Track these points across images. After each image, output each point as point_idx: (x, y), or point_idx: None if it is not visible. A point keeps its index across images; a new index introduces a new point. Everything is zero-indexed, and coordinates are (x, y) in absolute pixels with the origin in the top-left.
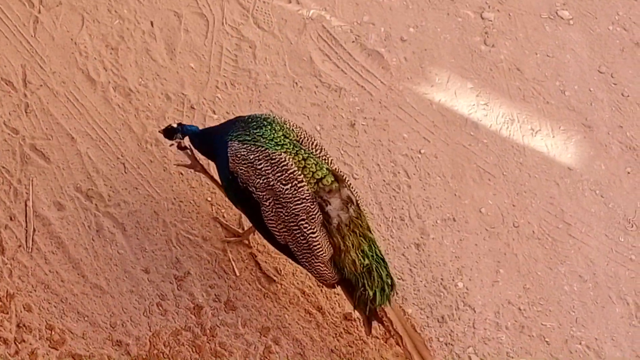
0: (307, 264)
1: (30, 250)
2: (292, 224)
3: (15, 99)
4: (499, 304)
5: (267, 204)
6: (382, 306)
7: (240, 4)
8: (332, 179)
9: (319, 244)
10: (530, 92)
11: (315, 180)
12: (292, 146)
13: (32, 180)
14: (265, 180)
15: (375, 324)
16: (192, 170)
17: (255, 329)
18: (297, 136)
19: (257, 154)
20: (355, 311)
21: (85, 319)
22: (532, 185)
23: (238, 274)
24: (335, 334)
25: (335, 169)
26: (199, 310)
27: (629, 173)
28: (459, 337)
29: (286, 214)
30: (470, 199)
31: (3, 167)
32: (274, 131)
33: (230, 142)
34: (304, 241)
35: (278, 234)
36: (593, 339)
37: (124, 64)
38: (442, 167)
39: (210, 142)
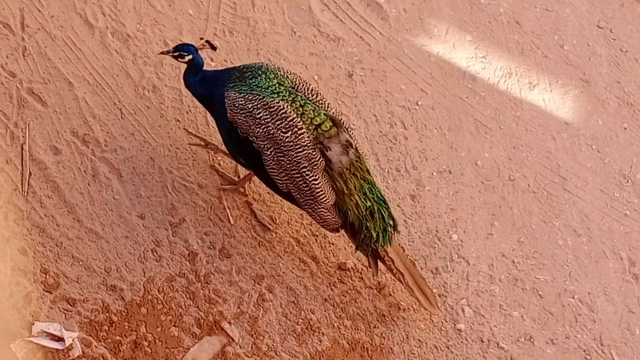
0: (310, 210)
1: (25, 193)
2: (294, 171)
3: (12, 42)
4: (492, 257)
5: (269, 152)
6: (384, 246)
7: None
8: (331, 124)
9: (321, 190)
10: (528, 45)
11: (314, 127)
12: (288, 93)
13: (28, 124)
14: (265, 129)
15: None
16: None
17: (250, 276)
18: (292, 83)
19: (255, 103)
20: (355, 255)
21: (80, 263)
22: (529, 139)
23: (233, 222)
24: (329, 283)
25: (333, 112)
26: (194, 257)
27: (625, 129)
28: (453, 289)
29: (288, 161)
30: (466, 152)
31: (0, 111)
32: (268, 79)
33: (227, 92)
34: (306, 188)
35: (280, 182)
36: (586, 293)
37: (123, 9)
38: (439, 119)
39: (209, 87)
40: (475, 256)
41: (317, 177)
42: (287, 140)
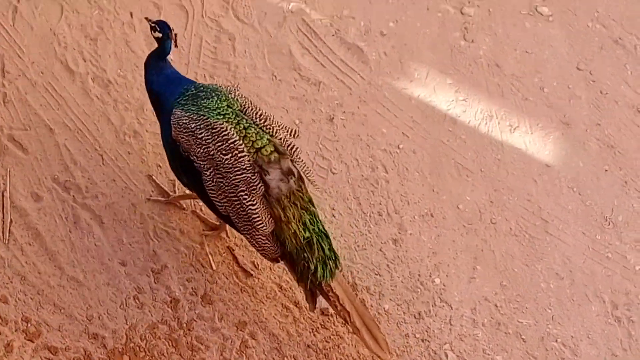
0: (248, 236)
1: (6, 241)
2: (232, 194)
3: None
4: (475, 301)
5: (208, 173)
6: (327, 281)
7: None
8: (272, 149)
9: (258, 216)
10: (509, 88)
11: (254, 150)
12: (234, 116)
13: (9, 171)
14: (205, 150)
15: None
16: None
17: (232, 323)
18: (241, 106)
19: (199, 123)
20: (300, 287)
21: (62, 311)
22: (510, 182)
23: (215, 268)
24: (312, 329)
25: (281, 139)
26: (176, 303)
27: (606, 171)
28: (436, 334)
29: (226, 184)
30: (448, 195)
31: None
32: (219, 101)
33: (175, 109)
34: (243, 213)
35: (220, 204)
36: (569, 337)
37: (103, 55)
38: (420, 162)
39: (164, 87)
40: (458, 300)
41: (254, 202)
42: (226, 162)
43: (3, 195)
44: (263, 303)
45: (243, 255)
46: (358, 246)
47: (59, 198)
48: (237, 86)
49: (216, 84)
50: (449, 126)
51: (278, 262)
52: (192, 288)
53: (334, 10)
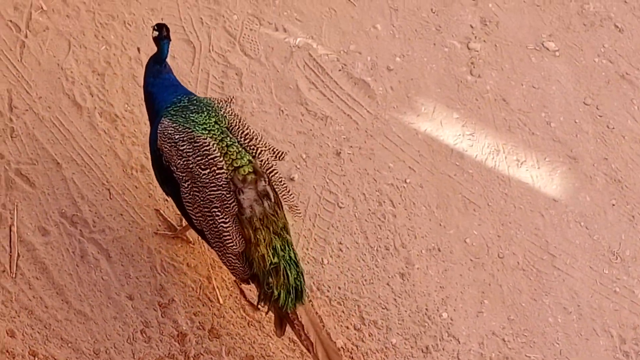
0: (219, 254)
1: (14, 275)
2: (205, 209)
3: (0, 123)
4: (483, 335)
5: (186, 185)
6: (288, 309)
7: (227, 31)
8: (250, 170)
9: (229, 235)
10: (516, 122)
11: (233, 168)
12: (219, 132)
13: (16, 205)
14: (185, 162)
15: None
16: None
17: (239, 357)
18: (229, 123)
19: (182, 135)
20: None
21: (69, 345)
22: (517, 216)
23: (222, 302)
24: None
25: (263, 161)
26: (183, 337)
27: (613, 205)
28: None
29: (202, 198)
30: (455, 229)
31: None
32: (208, 117)
33: (163, 118)
34: (215, 229)
35: (194, 218)
36: None
37: (110, 89)
38: (427, 196)
39: (159, 91)
40: (466, 334)
41: (226, 220)
42: (204, 176)
43: (11, 230)
44: (270, 337)
45: (250, 289)
46: (365, 280)
47: (66, 232)
48: (231, 100)
49: (210, 98)
50: (456, 160)
51: (249, 283)
52: (199, 322)
53: (340, 45)
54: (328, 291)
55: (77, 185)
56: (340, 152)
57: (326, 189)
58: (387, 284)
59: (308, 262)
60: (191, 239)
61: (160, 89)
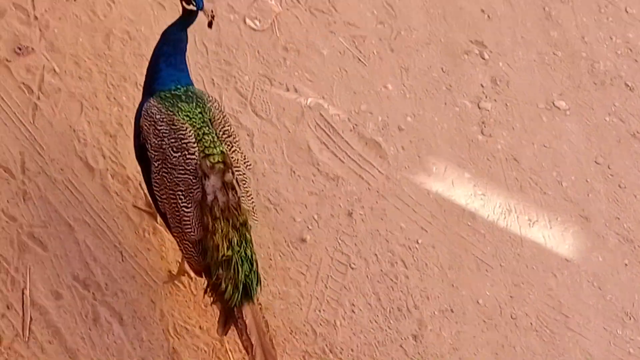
0: (177, 240)
1: (27, 339)
2: (171, 192)
3: (13, 186)
4: None
5: (156, 165)
6: (234, 305)
7: (239, 91)
8: (220, 160)
9: (188, 220)
10: (527, 182)
11: (204, 155)
12: (201, 121)
13: (29, 269)
14: (159, 142)
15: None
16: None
17: None
18: (212, 116)
19: (163, 116)
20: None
21: None
22: (530, 277)
23: None
24: None
25: (234, 159)
26: None
27: (626, 265)
28: None
29: (169, 180)
30: (467, 290)
31: (0, 256)
32: (195, 107)
33: (152, 97)
34: (177, 214)
35: (160, 200)
36: None
37: (122, 151)
38: (439, 257)
39: (164, 66)
40: None
41: (188, 205)
42: (174, 159)
43: (23, 293)
44: None
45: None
46: (378, 342)
47: (79, 296)
48: (218, 103)
49: (204, 93)
50: (467, 220)
51: (201, 276)
52: None
53: (351, 105)
54: (341, 353)
55: (90, 247)
56: (352, 213)
57: (338, 250)
58: (400, 346)
59: (320, 324)
60: (203, 305)
61: (168, 68)
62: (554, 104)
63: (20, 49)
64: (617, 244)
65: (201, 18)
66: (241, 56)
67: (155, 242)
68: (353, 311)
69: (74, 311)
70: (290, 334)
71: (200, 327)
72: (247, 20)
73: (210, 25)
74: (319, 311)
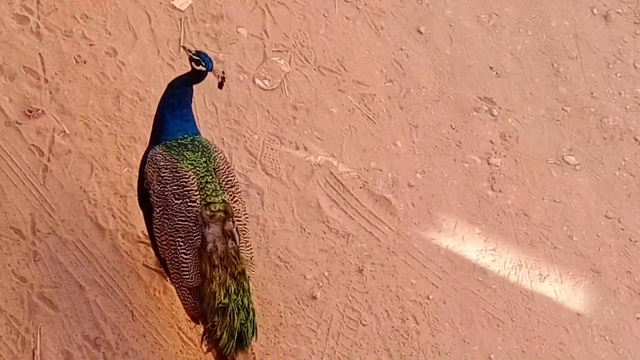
0: (176, 286)
1: None
2: (171, 238)
3: (23, 247)
4: None
5: (158, 211)
6: (228, 352)
7: (248, 150)
8: (221, 209)
9: (187, 267)
10: (538, 237)
11: (205, 203)
12: (204, 170)
13: (39, 329)
14: (162, 188)
15: None
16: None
17: None
18: (216, 165)
19: (167, 163)
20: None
21: None
22: (541, 331)
23: None
24: None
25: (235, 209)
26: None
27: (638, 319)
28: None
29: (169, 226)
30: (479, 345)
31: (11, 316)
32: (200, 156)
33: (158, 145)
34: (176, 260)
35: (160, 246)
36: None
37: (132, 211)
38: (450, 313)
39: (170, 117)
40: None
41: (187, 251)
42: (175, 206)
43: (34, 354)
44: None
45: None
46: None
47: (90, 355)
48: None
49: (210, 143)
50: (478, 276)
51: (198, 323)
52: None
53: (361, 162)
54: None
55: (100, 307)
56: (362, 270)
57: (349, 307)
58: None
59: None
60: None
61: (175, 119)
62: (563, 159)
63: (30, 112)
64: (629, 297)
65: (210, 77)
66: (251, 115)
67: (166, 300)
68: None
69: None
70: None
71: None
72: (257, 80)
73: (220, 86)
74: None
